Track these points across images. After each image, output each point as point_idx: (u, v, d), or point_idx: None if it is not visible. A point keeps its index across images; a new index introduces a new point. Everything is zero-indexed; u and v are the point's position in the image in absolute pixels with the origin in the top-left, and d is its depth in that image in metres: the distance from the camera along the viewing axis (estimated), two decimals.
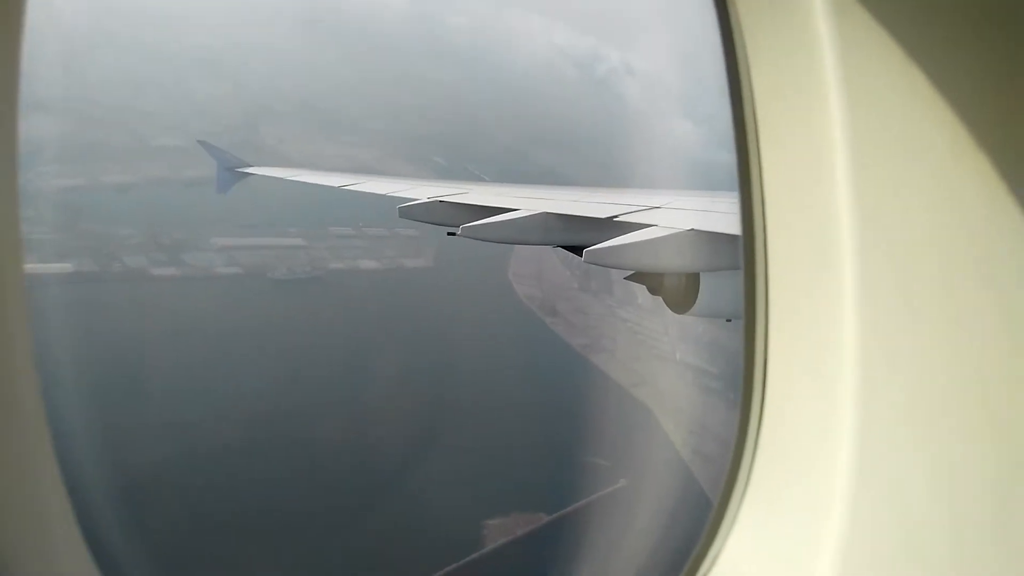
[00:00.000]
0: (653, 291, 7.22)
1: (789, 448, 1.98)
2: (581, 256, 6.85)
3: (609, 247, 6.56)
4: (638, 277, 7.35)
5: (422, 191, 8.74)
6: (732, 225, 6.89)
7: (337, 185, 9.99)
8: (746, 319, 2.05)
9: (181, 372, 21.30)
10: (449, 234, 8.16)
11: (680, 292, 6.99)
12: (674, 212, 7.07)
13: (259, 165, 11.95)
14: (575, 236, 7.56)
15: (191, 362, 22.06)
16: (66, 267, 23.56)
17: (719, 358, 21.87)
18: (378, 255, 28.29)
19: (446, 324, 25.31)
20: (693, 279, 6.89)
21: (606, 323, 25.93)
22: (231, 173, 11.50)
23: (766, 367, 2.02)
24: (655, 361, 23.69)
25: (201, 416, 19.16)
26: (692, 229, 6.51)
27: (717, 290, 6.83)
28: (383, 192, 9.23)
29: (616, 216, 7.23)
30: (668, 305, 7.15)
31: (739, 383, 2.10)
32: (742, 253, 2.04)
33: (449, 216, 8.33)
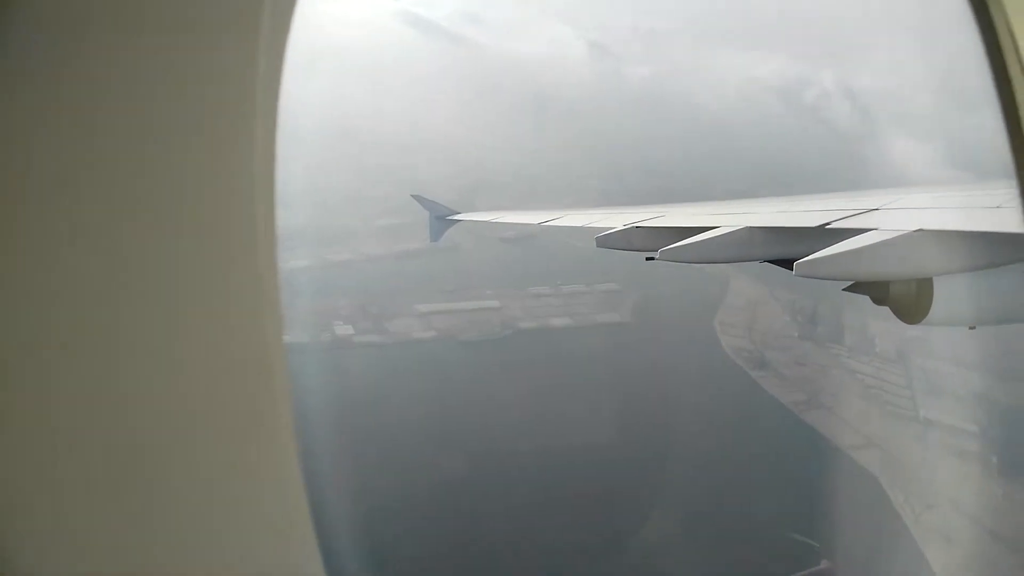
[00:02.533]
0: (878, 301, 6.84)
1: None
2: (791, 270, 6.68)
3: (824, 257, 6.30)
4: (859, 287, 7.02)
5: (619, 219, 8.96)
6: (969, 221, 6.44)
7: (537, 222, 10.56)
8: None
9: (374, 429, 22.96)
10: (648, 259, 8.24)
11: (911, 300, 6.59)
12: (896, 212, 6.70)
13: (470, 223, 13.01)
14: (783, 249, 7.34)
15: (383, 419, 23.74)
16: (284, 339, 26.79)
17: (980, 414, 19.45)
18: (572, 312, 28.99)
19: (637, 381, 25.02)
20: (925, 284, 6.48)
21: (829, 376, 24.15)
22: (442, 221, 12.64)
23: None
24: (889, 419, 21.58)
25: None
26: (920, 230, 6.15)
27: (955, 294, 6.37)
28: (580, 224, 9.59)
29: (828, 223, 6.96)
30: (898, 315, 6.74)
31: None
32: None
33: (648, 241, 8.39)
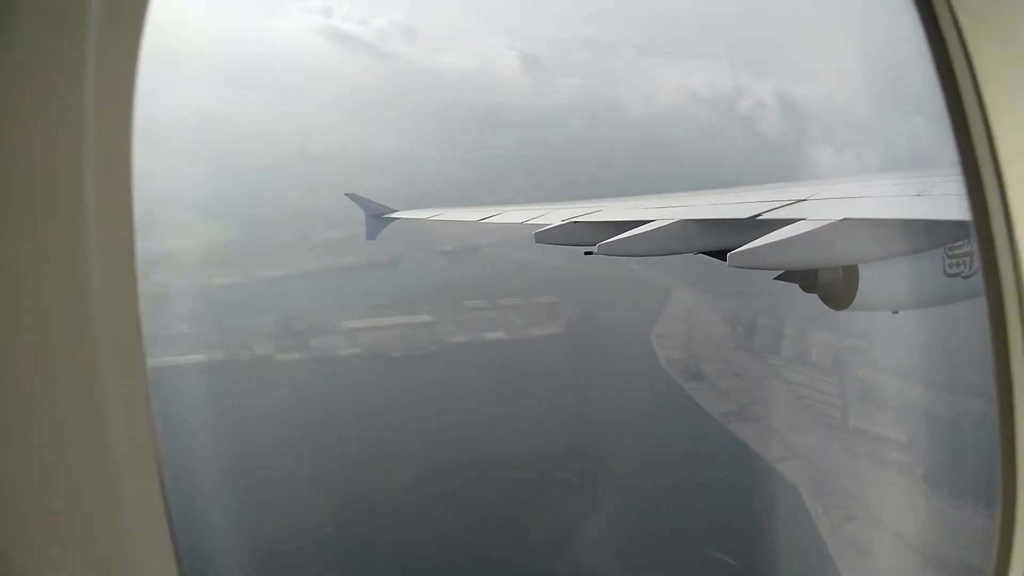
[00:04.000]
0: (807, 289, 7.15)
1: None
2: (725, 261, 6.93)
3: (755, 247, 6.54)
4: (789, 276, 7.32)
5: (556, 214, 9.12)
6: (891, 209, 6.84)
7: (476, 219, 10.63)
8: (995, 335, 1.88)
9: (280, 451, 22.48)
10: (586, 253, 8.42)
11: (838, 287, 6.90)
12: (822, 203, 7.03)
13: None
14: (717, 240, 7.59)
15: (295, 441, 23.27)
16: (199, 358, 26.34)
17: (910, 423, 20.04)
18: (506, 325, 29.02)
19: (566, 395, 25.04)
20: (851, 271, 6.80)
21: (762, 387, 24.65)
22: (378, 220, 12.65)
23: None
24: (818, 430, 22.14)
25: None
26: (845, 219, 6.47)
27: (879, 280, 6.70)
28: (519, 220, 9.70)
29: (759, 214, 7.23)
30: (825, 301, 7.06)
31: (997, 421, 1.87)
32: (981, 259, 1.96)
33: (585, 236, 8.57)
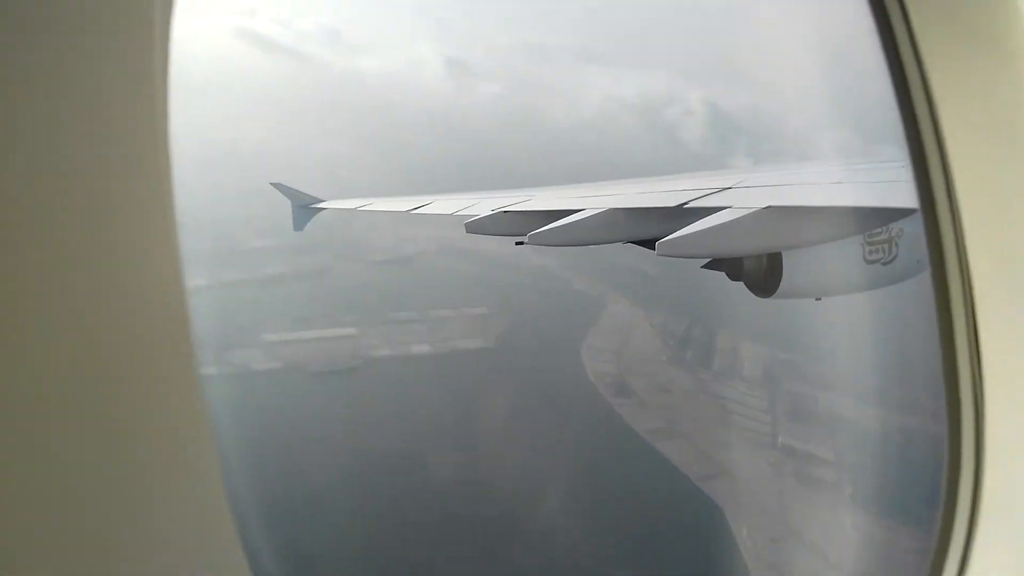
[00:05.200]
0: (734, 277, 7.37)
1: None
2: (654, 249, 7.09)
3: (682, 236, 6.74)
4: (715, 264, 7.54)
5: (488, 204, 9.20)
6: (811, 197, 7.11)
7: (405, 209, 10.59)
8: (943, 340, 1.91)
9: None
10: (517, 243, 8.51)
11: (762, 274, 7.14)
12: (747, 191, 7.28)
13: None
14: (645, 229, 7.79)
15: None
16: None
17: (838, 441, 20.43)
18: (432, 339, 28.64)
19: (483, 411, 24.70)
20: (775, 259, 7.05)
21: (692, 401, 24.91)
22: (305, 210, 12.56)
23: (980, 395, 1.85)
24: (745, 447, 22.46)
25: None
26: (769, 207, 6.70)
27: (802, 267, 6.96)
28: (449, 211, 9.74)
29: (686, 203, 7.46)
30: (751, 289, 7.29)
31: (945, 420, 1.92)
32: (931, 260, 1.97)
33: (515, 226, 8.67)
